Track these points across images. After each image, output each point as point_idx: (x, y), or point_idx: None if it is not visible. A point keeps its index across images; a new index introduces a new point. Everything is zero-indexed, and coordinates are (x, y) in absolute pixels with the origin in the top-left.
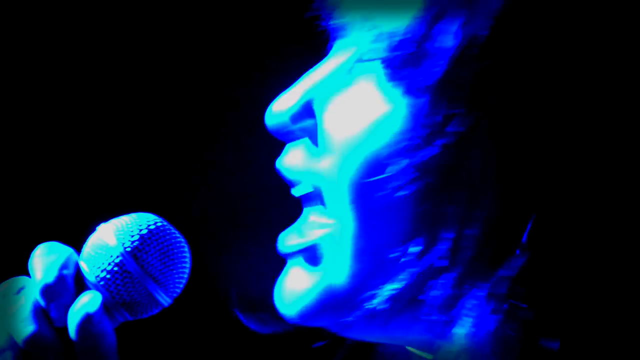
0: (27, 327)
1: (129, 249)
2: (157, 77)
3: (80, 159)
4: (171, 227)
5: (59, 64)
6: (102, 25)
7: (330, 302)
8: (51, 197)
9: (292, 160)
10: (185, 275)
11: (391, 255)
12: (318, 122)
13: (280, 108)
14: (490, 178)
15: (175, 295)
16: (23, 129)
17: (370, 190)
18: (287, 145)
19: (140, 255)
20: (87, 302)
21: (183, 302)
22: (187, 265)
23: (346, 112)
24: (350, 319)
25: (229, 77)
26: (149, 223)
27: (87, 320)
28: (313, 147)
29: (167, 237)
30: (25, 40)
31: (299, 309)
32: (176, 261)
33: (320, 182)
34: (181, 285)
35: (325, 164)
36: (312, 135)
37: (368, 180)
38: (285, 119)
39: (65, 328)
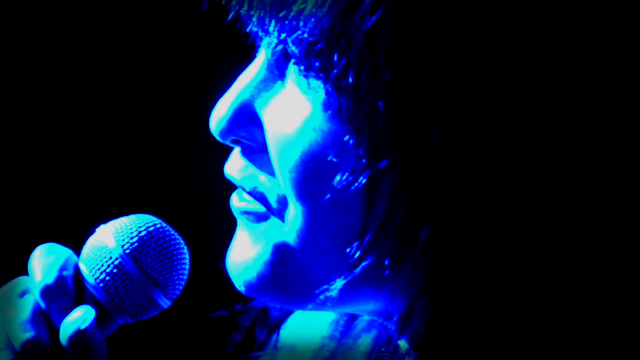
0: (25, 332)
1: (128, 251)
2: (155, 79)
3: (79, 161)
4: (170, 229)
5: (60, 67)
6: (99, 26)
7: (276, 278)
8: (50, 199)
9: (235, 166)
10: (185, 277)
11: (339, 249)
12: (256, 125)
13: (219, 114)
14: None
15: (174, 297)
16: (23, 130)
17: (311, 189)
18: (233, 151)
19: (139, 257)
20: (80, 317)
21: (182, 304)
22: (187, 266)
23: (278, 113)
24: (298, 305)
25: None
26: (147, 225)
27: (79, 335)
28: (255, 150)
29: (166, 238)
30: (24, 41)
31: (245, 280)
32: (175, 263)
33: (264, 183)
34: (181, 287)
35: (267, 165)
36: (253, 139)
37: (307, 179)
38: (224, 124)
39: None
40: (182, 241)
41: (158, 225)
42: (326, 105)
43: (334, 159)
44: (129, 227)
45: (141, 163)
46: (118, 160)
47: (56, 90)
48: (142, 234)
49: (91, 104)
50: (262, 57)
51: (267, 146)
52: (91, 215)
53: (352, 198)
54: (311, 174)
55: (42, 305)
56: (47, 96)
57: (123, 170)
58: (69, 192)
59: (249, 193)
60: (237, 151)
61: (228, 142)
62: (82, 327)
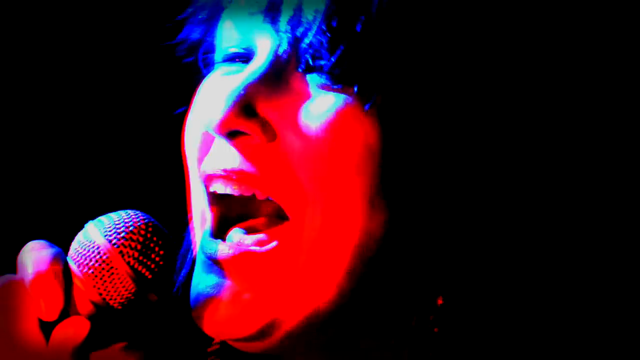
0: (17, 325)
1: (115, 246)
2: (149, 77)
3: (67, 159)
4: (158, 224)
5: (55, 67)
6: (89, 25)
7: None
8: (39, 197)
9: (241, 169)
10: (172, 272)
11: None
12: (259, 118)
13: (223, 104)
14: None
15: (162, 290)
16: (12, 129)
17: (338, 181)
18: (217, 146)
19: (126, 252)
20: (74, 329)
21: (169, 298)
22: (174, 262)
23: (291, 110)
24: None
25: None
26: (135, 220)
27: (69, 345)
28: (253, 145)
29: (154, 234)
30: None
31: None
32: (163, 258)
33: (283, 182)
34: (168, 282)
35: (273, 159)
36: (256, 131)
37: (334, 171)
38: (228, 114)
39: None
40: (170, 237)
41: (146, 221)
42: (355, 104)
43: (349, 158)
44: (117, 223)
45: (129, 159)
46: (106, 157)
47: (47, 89)
48: (130, 229)
49: (79, 104)
50: (264, 54)
51: (286, 140)
52: (80, 211)
53: (374, 200)
54: (339, 167)
55: (33, 297)
56: (38, 96)
57: (111, 166)
58: (58, 189)
59: (264, 191)
60: (230, 154)
61: (225, 137)
62: (76, 340)
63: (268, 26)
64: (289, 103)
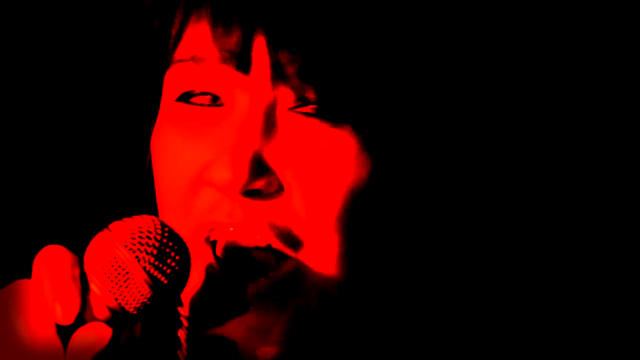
0: (35, 333)
1: (132, 251)
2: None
3: (81, 164)
4: (172, 229)
5: (55, 67)
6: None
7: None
8: (54, 201)
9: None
10: (187, 277)
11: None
12: (270, 171)
13: (237, 169)
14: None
15: (178, 296)
16: (23, 133)
17: (350, 214)
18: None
19: (142, 257)
20: (95, 336)
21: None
22: (189, 266)
23: (292, 156)
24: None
25: None
26: (151, 225)
27: (89, 353)
28: (266, 197)
29: (170, 239)
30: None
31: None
32: (179, 263)
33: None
34: (183, 286)
35: (285, 207)
36: (269, 185)
37: (347, 205)
38: (245, 177)
39: (69, 327)
40: (184, 242)
41: (162, 226)
42: (346, 146)
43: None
44: (132, 227)
45: (142, 165)
46: (120, 162)
47: (44, 93)
48: (146, 234)
49: (92, 109)
50: (250, 105)
51: (291, 190)
52: (94, 217)
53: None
54: (350, 200)
55: (49, 301)
56: (54, 101)
57: (126, 172)
58: (73, 194)
59: (279, 243)
60: (239, 212)
61: (243, 194)
62: (98, 346)
63: (243, 71)
64: (289, 148)
